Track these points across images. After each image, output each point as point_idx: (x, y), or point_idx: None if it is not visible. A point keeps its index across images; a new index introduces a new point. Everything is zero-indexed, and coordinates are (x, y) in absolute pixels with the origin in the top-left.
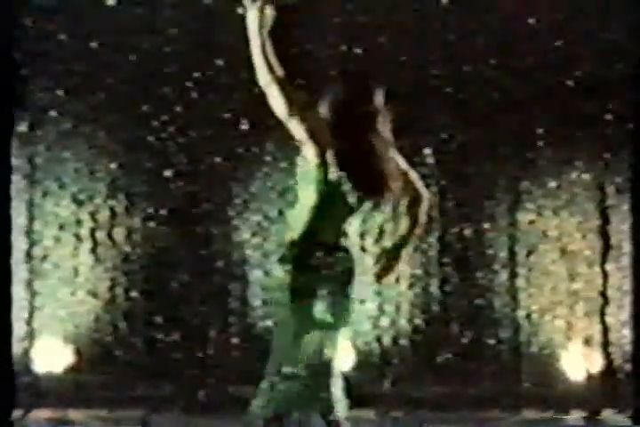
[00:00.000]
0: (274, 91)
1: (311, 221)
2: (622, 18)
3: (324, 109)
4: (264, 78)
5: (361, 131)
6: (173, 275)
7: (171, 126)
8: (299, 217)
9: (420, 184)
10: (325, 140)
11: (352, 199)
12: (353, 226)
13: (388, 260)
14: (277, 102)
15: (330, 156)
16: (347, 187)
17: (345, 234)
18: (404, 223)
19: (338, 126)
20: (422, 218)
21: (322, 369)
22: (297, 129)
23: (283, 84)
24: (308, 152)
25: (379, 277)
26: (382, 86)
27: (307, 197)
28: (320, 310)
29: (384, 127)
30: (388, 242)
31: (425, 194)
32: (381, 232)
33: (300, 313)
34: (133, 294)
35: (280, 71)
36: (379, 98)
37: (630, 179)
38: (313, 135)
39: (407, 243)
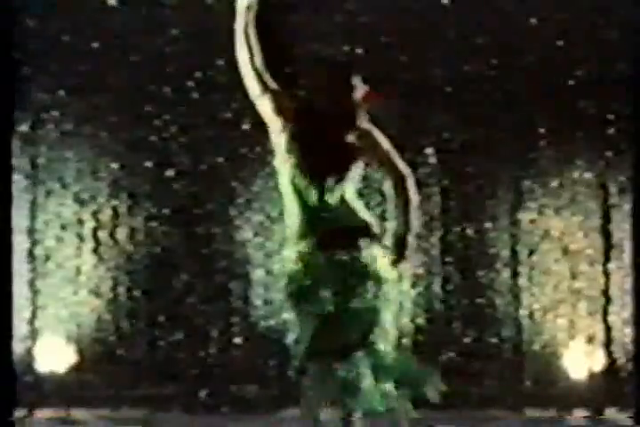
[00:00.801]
0: (249, 71)
1: (302, 215)
2: (623, 18)
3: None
4: (242, 59)
5: (332, 115)
6: (175, 274)
7: (172, 126)
8: (288, 214)
9: (401, 164)
10: (291, 122)
11: (300, 181)
12: (365, 216)
13: (397, 247)
14: (250, 82)
15: (287, 135)
16: (294, 165)
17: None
18: (397, 206)
19: (311, 109)
20: (414, 197)
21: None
22: (265, 108)
23: (258, 66)
24: (273, 132)
25: (392, 264)
26: (359, 74)
27: (286, 189)
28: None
29: (359, 110)
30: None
31: (407, 173)
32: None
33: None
34: (136, 293)
35: (258, 54)
36: (356, 84)
37: (632, 178)
38: (280, 115)
39: (409, 225)
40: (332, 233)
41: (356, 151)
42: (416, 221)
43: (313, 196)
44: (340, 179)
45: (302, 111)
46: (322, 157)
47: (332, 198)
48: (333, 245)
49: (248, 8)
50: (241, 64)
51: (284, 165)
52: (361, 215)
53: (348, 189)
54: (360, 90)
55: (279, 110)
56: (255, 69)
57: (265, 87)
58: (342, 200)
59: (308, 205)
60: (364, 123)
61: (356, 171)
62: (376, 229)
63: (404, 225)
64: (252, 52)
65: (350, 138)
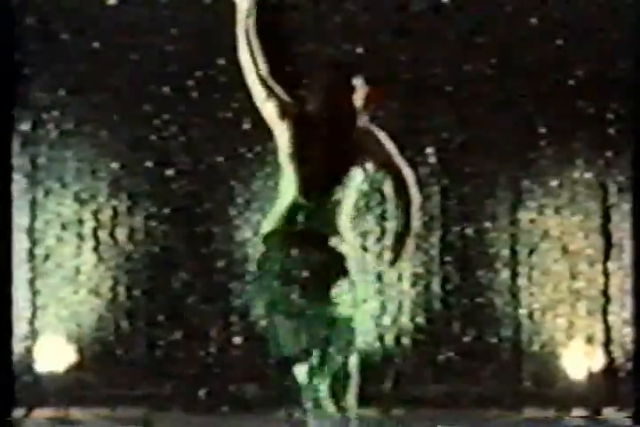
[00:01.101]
0: (253, 76)
1: (286, 212)
2: (623, 17)
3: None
4: (246, 64)
5: (333, 117)
6: (175, 274)
7: (172, 126)
8: (274, 212)
9: (403, 165)
10: (294, 127)
11: (298, 184)
12: (343, 219)
13: (394, 246)
14: (255, 87)
15: (290, 139)
16: (296, 168)
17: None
18: (397, 206)
19: (313, 114)
20: (415, 197)
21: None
22: (269, 113)
23: (262, 71)
24: (277, 135)
25: (390, 263)
26: (360, 74)
27: (284, 185)
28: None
29: (361, 111)
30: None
31: (409, 174)
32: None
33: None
34: (135, 292)
35: (261, 57)
36: (357, 85)
37: (631, 177)
38: (284, 120)
39: (409, 226)
40: (303, 234)
41: (358, 154)
42: (417, 221)
43: (307, 199)
44: (341, 182)
45: (305, 116)
46: (324, 160)
47: (328, 202)
48: (298, 243)
49: (247, 14)
50: (244, 69)
51: (286, 167)
52: (339, 222)
53: (350, 194)
54: (361, 91)
55: (283, 115)
56: (259, 75)
57: (269, 92)
58: (335, 205)
59: (297, 204)
60: (365, 123)
61: (359, 174)
62: (347, 242)
63: (405, 226)
64: (254, 58)
65: (352, 139)
